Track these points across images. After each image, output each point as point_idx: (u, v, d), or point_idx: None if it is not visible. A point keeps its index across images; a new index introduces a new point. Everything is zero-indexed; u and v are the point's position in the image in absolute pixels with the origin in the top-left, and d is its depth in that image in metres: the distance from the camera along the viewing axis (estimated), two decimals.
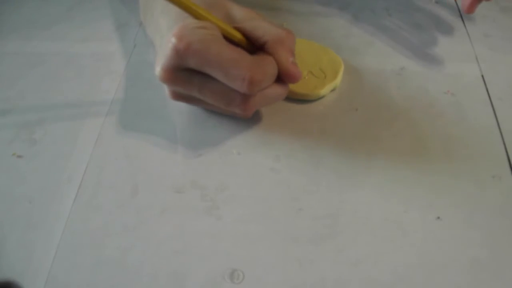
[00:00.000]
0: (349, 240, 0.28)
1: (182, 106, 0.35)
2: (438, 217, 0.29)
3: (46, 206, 0.30)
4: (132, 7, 0.43)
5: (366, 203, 0.30)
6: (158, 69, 0.29)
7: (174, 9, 0.29)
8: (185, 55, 0.27)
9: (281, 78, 0.30)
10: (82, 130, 0.34)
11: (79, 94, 0.36)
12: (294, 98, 0.35)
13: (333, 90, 0.36)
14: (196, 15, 0.28)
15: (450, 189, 0.30)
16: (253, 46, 0.31)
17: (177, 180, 0.31)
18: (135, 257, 0.27)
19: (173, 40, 0.27)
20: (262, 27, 0.30)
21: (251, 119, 0.34)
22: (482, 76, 0.37)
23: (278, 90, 0.31)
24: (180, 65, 0.28)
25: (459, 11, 0.43)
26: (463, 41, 0.40)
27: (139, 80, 0.37)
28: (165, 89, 0.31)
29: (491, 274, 0.27)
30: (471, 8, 0.37)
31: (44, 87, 0.37)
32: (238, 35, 0.30)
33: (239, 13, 0.31)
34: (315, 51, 0.37)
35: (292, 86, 0.34)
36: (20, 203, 0.30)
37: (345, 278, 0.27)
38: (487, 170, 0.31)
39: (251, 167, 0.32)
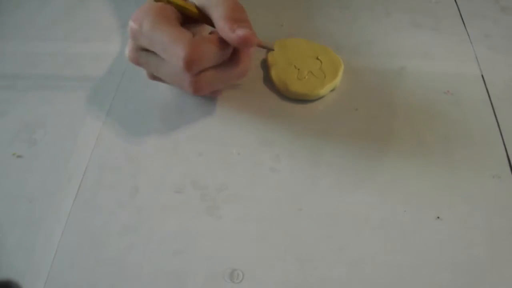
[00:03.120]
0: (349, 240, 0.28)
1: (182, 105, 0.35)
2: (438, 217, 0.29)
3: (46, 206, 0.30)
4: (133, 7, 0.43)
5: (366, 203, 0.30)
6: (126, 50, 0.31)
7: None
8: (138, 35, 0.29)
9: (238, 48, 0.30)
10: (82, 130, 0.34)
11: (79, 94, 0.36)
12: (294, 98, 0.35)
13: (333, 90, 0.36)
14: None
15: (450, 188, 0.30)
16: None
17: (177, 180, 0.31)
18: (135, 257, 0.27)
19: (130, 22, 0.29)
20: (212, 4, 0.30)
21: (251, 119, 0.34)
22: (482, 76, 0.37)
23: (230, 70, 0.31)
24: (138, 46, 0.30)
25: (459, 11, 0.43)
26: (463, 40, 0.40)
27: (139, 80, 0.37)
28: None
29: (491, 273, 0.27)
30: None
31: (44, 87, 0.37)
32: (193, 9, 0.30)
33: None
34: (315, 51, 0.37)
35: (292, 86, 0.34)
36: (20, 203, 0.30)
37: (345, 278, 0.27)
38: (487, 169, 0.31)
39: (251, 167, 0.32)
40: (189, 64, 0.28)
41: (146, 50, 0.30)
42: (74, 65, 0.38)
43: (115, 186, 0.31)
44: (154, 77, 0.33)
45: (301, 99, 0.35)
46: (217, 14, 0.29)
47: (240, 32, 0.28)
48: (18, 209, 0.30)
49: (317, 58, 0.36)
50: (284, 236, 0.28)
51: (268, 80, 0.36)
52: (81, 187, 0.31)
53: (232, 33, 0.28)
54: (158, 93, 0.36)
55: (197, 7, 0.31)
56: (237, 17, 0.29)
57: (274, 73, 0.36)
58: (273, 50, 0.35)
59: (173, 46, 0.28)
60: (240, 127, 0.34)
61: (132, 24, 0.29)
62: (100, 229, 0.29)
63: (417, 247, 0.28)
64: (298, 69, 0.36)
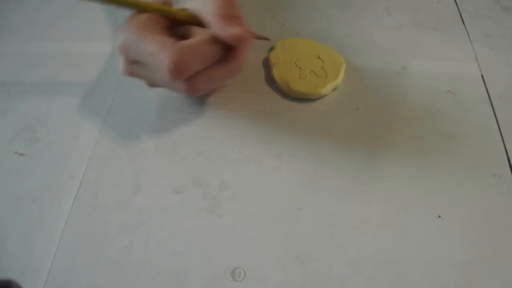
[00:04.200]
0: (349, 240, 0.28)
1: (182, 105, 0.35)
2: (439, 216, 0.29)
3: (47, 205, 0.30)
4: None
5: (366, 202, 0.30)
6: (119, 65, 0.30)
7: None
8: (125, 49, 0.29)
9: (233, 45, 0.29)
10: (83, 129, 0.34)
11: (79, 93, 0.36)
12: (295, 97, 0.35)
13: (334, 89, 0.36)
14: (135, 8, 0.29)
15: (451, 187, 0.30)
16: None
17: (178, 179, 0.31)
18: (136, 256, 0.27)
19: (116, 37, 0.29)
20: (201, 3, 0.29)
21: (253, 118, 0.34)
22: (482, 75, 0.37)
23: (225, 67, 0.30)
24: (128, 59, 0.29)
25: (459, 11, 0.43)
26: (463, 40, 0.40)
27: (139, 80, 0.37)
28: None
29: (491, 273, 0.27)
30: None
31: (45, 87, 0.36)
32: (180, 13, 0.30)
33: None
34: (317, 50, 0.37)
35: (294, 85, 0.34)
36: (21, 202, 0.30)
37: (345, 277, 0.27)
38: (488, 169, 0.31)
39: (252, 166, 0.31)
40: (175, 72, 0.27)
41: (138, 62, 0.29)
42: (74, 65, 0.38)
43: (116, 186, 0.30)
44: (153, 84, 0.32)
45: (302, 98, 0.35)
46: (208, 12, 0.28)
47: (234, 29, 0.28)
48: (19, 207, 0.29)
49: (319, 57, 0.36)
50: (285, 235, 0.28)
51: (270, 79, 0.36)
52: (82, 187, 0.30)
53: (225, 31, 0.28)
54: (158, 93, 0.36)
55: (185, 10, 0.30)
56: (229, 13, 0.28)
57: (276, 72, 0.36)
58: (268, 40, 0.35)
59: (156, 56, 0.27)
60: (241, 126, 0.34)
61: (117, 39, 0.28)
62: (100, 228, 0.29)
63: (418, 247, 0.28)
64: (300, 68, 0.36)
